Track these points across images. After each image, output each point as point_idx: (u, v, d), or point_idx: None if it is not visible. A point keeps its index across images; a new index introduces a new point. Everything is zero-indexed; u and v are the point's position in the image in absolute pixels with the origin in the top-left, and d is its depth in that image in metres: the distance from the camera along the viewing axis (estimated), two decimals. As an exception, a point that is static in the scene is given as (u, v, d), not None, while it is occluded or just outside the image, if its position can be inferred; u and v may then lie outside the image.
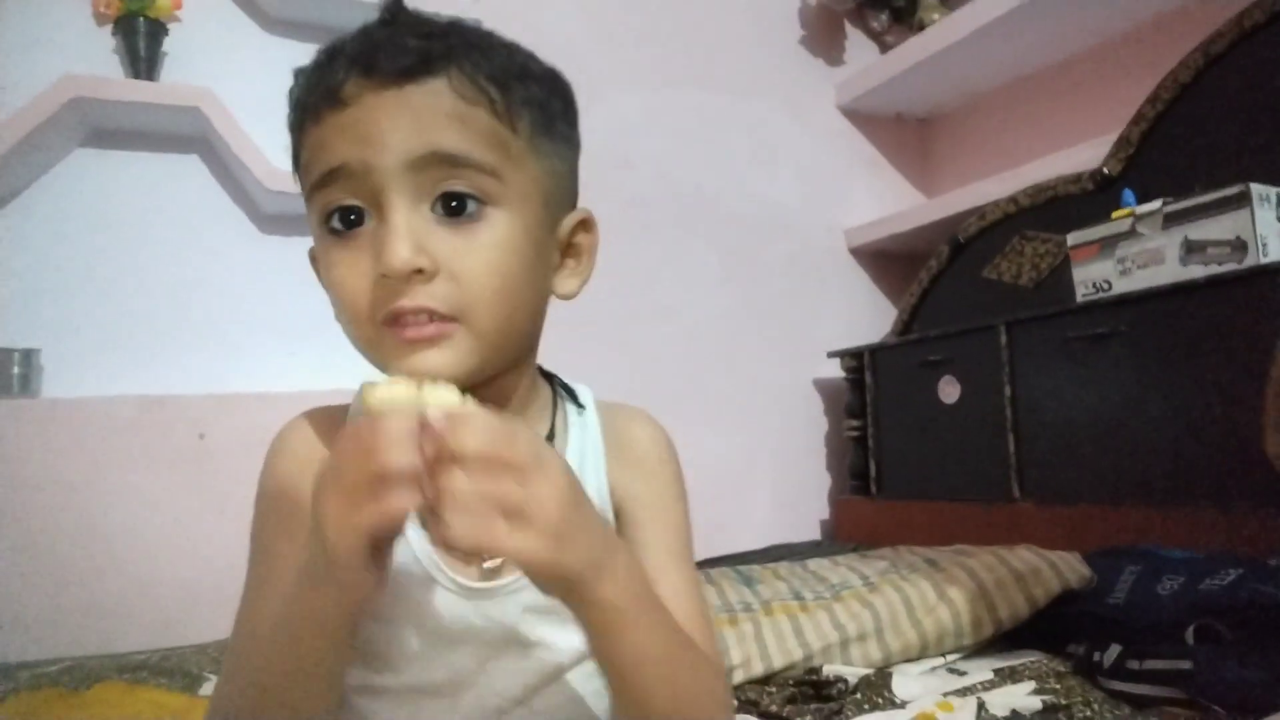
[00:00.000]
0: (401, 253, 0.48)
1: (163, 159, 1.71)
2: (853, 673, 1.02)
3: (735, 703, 0.97)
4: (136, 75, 1.63)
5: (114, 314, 1.64)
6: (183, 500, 1.51)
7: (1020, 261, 1.73)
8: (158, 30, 1.65)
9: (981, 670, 1.00)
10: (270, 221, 1.76)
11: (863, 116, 2.29)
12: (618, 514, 0.60)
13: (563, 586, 0.44)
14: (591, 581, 0.44)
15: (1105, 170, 1.56)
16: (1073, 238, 1.51)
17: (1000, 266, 1.77)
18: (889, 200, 2.27)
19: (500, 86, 0.52)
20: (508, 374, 0.57)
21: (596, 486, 0.59)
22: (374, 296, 0.50)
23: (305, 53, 1.98)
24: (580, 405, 0.63)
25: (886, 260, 2.25)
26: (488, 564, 0.55)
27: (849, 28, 2.32)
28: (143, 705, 1.09)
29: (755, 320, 2.09)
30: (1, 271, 1.58)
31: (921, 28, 2.07)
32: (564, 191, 0.57)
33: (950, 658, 1.08)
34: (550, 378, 0.65)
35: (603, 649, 0.47)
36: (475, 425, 0.41)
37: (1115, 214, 1.44)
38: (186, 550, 1.50)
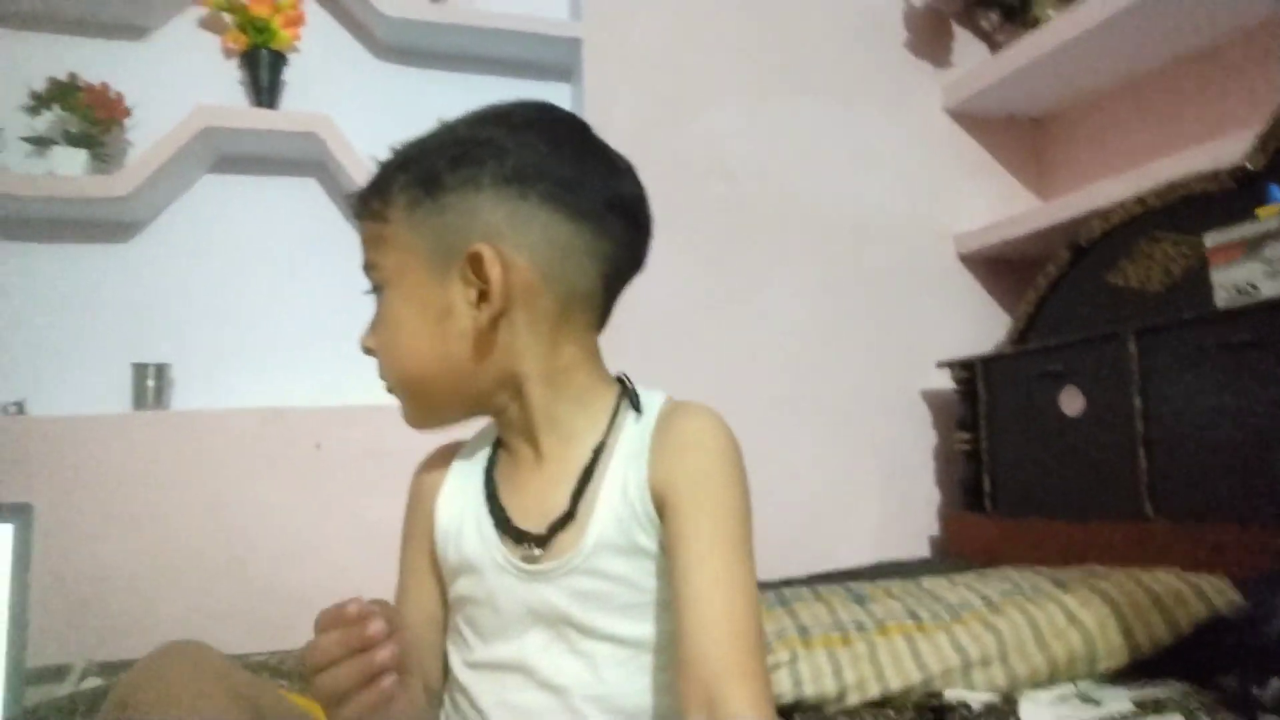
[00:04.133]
0: (361, 342, 0.67)
1: (282, 182, 1.81)
2: (976, 699, 0.97)
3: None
4: (260, 104, 1.72)
5: (238, 330, 1.73)
6: (300, 508, 1.57)
7: (1149, 265, 1.62)
8: (278, 61, 1.74)
9: (1119, 700, 0.93)
10: (380, 240, 1.83)
11: (972, 119, 2.21)
12: (660, 506, 0.60)
13: None
14: None
15: (1248, 165, 1.44)
16: (1211, 238, 1.40)
17: (1127, 271, 1.66)
18: (1001, 204, 2.18)
19: (379, 193, 0.64)
20: (497, 403, 0.66)
21: (637, 483, 0.61)
22: None
23: (414, 78, 2.05)
24: (640, 412, 0.66)
25: (999, 267, 2.15)
26: (537, 551, 0.62)
27: (956, 29, 2.25)
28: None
29: (860, 330, 2.03)
30: (138, 291, 1.69)
31: (1035, 24, 1.99)
32: (453, 241, 0.62)
33: (1082, 685, 1.01)
34: (624, 387, 0.68)
35: None
36: None
37: (1261, 211, 1.33)
38: (302, 556, 1.56)
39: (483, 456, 0.70)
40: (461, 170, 0.62)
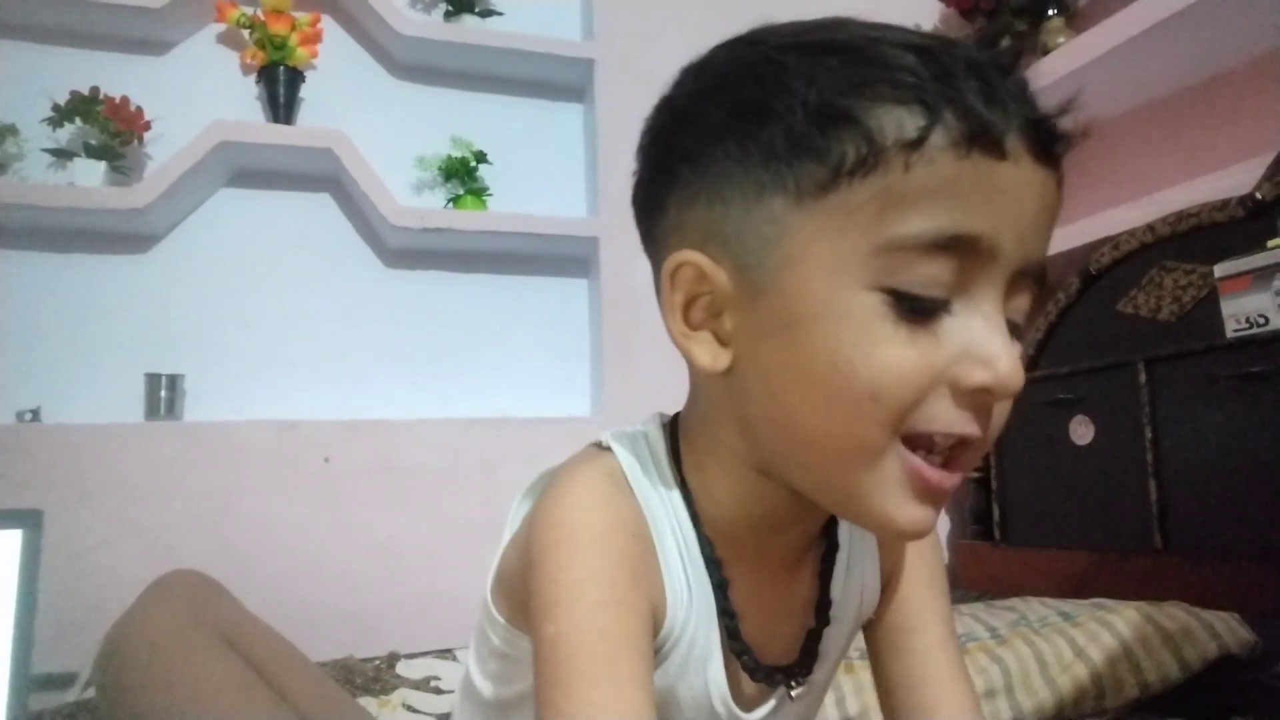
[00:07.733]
0: (1021, 372, 0.38)
1: (297, 198, 1.82)
2: (981, 732, 0.96)
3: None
4: (276, 120, 1.74)
5: (251, 343, 1.74)
6: (308, 520, 1.58)
7: (1159, 294, 1.61)
8: (295, 78, 1.76)
9: (1128, 738, 0.92)
10: (394, 256, 1.84)
11: (982, 144, 2.21)
12: (884, 589, 0.56)
13: None
14: None
15: (1258, 195, 1.44)
16: (1221, 268, 1.40)
17: (1136, 300, 1.66)
18: (1011, 230, 2.18)
19: None
20: None
21: (872, 582, 0.55)
22: (921, 400, 0.39)
23: (429, 96, 2.05)
24: None
25: (1008, 293, 2.15)
26: (796, 691, 0.52)
27: (967, 54, 2.26)
28: None
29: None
30: (153, 302, 1.70)
31: (1045, 52, 1.99)
32: None
33: (1090, 722, 1.00)
34: None
35: None
36: None
37: (1272, 242, 1.33)
38: (310, 569, 1.56)
39: (681, 530, 0.48)
40: None
